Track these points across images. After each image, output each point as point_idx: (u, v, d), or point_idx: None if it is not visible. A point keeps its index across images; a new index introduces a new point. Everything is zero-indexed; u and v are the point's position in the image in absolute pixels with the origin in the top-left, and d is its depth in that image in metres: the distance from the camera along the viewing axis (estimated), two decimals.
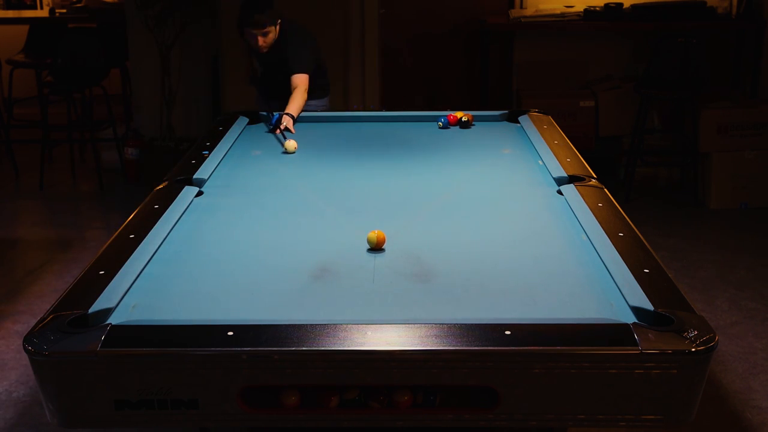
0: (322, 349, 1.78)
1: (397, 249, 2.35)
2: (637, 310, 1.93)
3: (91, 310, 1.94)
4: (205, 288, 2.15)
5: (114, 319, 1.92)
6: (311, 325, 1.84)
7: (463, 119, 3.72)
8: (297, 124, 3.75)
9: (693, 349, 1.76)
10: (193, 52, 6.14)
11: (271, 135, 3.65)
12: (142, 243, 2.33)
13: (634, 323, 1.84)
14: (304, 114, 3.91)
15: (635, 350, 1.75)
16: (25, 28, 7.30)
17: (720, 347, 3.06)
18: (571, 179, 2.87)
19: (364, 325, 1.85)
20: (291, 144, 3.39)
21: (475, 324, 1.84)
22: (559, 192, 2.81)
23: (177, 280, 2.19)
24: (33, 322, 1.96)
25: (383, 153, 3.40)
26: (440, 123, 3.75)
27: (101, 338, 1.79)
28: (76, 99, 6.35)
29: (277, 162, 3.25)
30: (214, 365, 1.79)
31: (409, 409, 1.85)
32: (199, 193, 2.84)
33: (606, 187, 2.80)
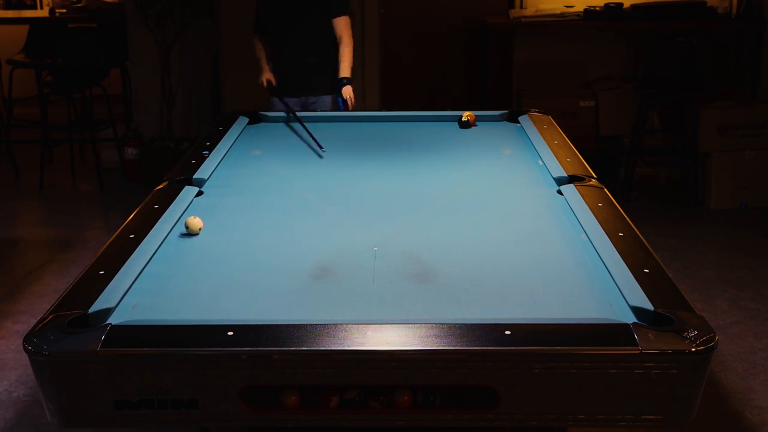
0: (322, 349, 1.78)
1: (397, 249, 2.35)
2: (637, 310, 1.93)
3: (91, 310, 1.94)
4: (205, 288, 2.15)
5: (114, 319, 1.92)
6: (311, 325, 1.84)
7: (463, 119, 3.71)
8: (295, 126, 3.74)
9: (693, 349, 1.76)
10: (193, 52, 6.13)
11: (272, 135, 3.64)
12: (142, 243, 2.33)
13: (634, 323, 1.84)
14: (304, 114, 3.89)
15: (635, 350, 1.75)
16: (25, 28, 7.30)
17: (720, 347, 3.06)
18: (571, 179, 2.87)
19: (364, 325, 1.85)
20: (196, 223, 2.46)
21: (475, 324, 1.84)
22: (559, 192, 2.80)
23: (177, 280, 2.19)
24: (33, 322, 1.96)
25: (383, 153, 3.40)
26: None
27: (101, 338, 1.79)
28: (76, 99, 6.35)
29: (277, 162, 3.25)
30: (214, 365, 1.79)
31: (409, 409, 1.85)
32: (199, 193, 2.84)
33: (606, 187, 2.80)
